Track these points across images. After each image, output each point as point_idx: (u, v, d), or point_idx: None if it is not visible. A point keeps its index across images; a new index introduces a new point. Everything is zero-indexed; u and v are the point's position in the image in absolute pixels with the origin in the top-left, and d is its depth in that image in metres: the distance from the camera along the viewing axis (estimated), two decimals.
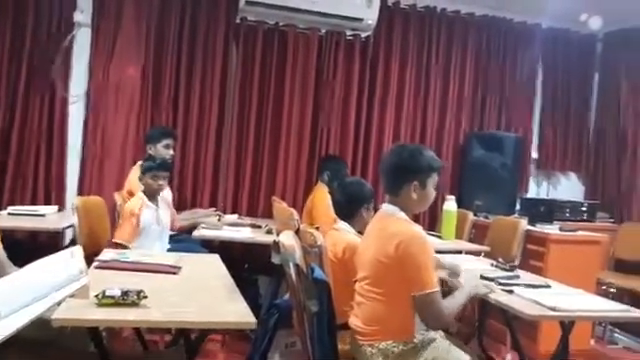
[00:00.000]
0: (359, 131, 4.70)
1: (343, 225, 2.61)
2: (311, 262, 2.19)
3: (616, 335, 4.15)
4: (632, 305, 2.82)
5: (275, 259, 2.38)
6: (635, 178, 4.72)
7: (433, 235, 3.93)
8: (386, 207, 2.12)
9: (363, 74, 4.69)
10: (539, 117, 5.24)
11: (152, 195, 3.12)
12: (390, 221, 2.05)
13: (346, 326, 2.14)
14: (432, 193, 2.11)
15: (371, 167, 4.68)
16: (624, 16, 4.81)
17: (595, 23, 4.76)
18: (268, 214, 4.22)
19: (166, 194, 3.60)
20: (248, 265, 3.92)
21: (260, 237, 3.41)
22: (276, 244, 2.18)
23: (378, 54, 4.71)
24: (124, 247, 2.88)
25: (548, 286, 2.48)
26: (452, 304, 2.00)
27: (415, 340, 1.98)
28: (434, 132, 4.87)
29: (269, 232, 3.46)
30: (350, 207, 2.64)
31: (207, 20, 4.33)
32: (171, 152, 3.79)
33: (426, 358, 1.96)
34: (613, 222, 4.74)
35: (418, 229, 2.00)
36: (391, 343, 1.96)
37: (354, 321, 2.10)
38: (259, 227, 3.65)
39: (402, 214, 2.05)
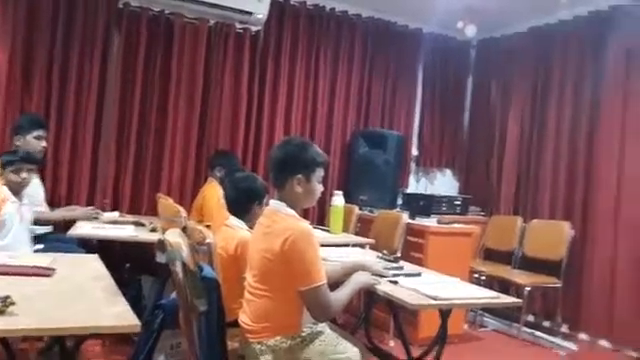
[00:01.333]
0: (249, 126, 4.66)
1: (235, 221, 2.56)
2: (200, 260, 2.12)
3: (486, 319, 4.53)
4: (500, 290, 3.09)
5: (160, 258, 2.28)
6: (502, 175, 5.17)
7: (322, 229, 4.02)
8: (273, 203, 2.11)
9: (253, 69, 4.65)
10: (419, 117, 5.55)
11: (16, 191, 2.84)
12: (277, 217, 2.04)
13: (237, 323, 2.11)
14: (317, 188, 2.12)
15: (262, 162, 4.66)
16: (494, 26, 5.25)
17: (470, 31, 5.13)
18: (153, 211, 4.03)
19: (32, 190, 3.29)
20: (130, 265, 3.71)
21: (144, 235, 3.25)
22: (161, 242, 2.09)
23: (268, 49, 4.70)
24: None
25: (419, 274, 2.63)
26: (340, 296, 2.05)
27: (303, 334, 2.00)
28: (323, 129, 4.97)
29: (154, 230, 3.31)
30: (243, 203, 2.60)
31: (85, 1, 4.03)
32: (43, 144, 3.47)
33: (314, 351, 1.99)
34: (484, 215, 5.16)
35: (304, 224, 2.00)
36: (279, 339, 1.96)
37: (243, 319, 2.07)
38: (143, 225, 3.47)
39: (289, 210, 2.05)
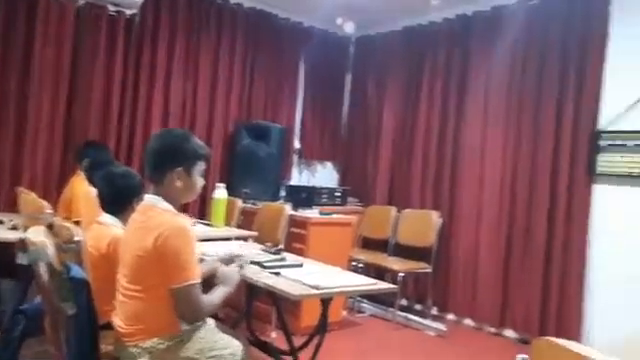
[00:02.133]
0: (123, 115, 4.39)
1: (109, 219, 2.39)
2: (68, 260, 1.96)
3: (363, 305, 4.73)
4: (376, 277, 3.25)
5: (22, 259, 2.08)
6: (378, 167, 5.42)
7: (204, 223, 3.93)
8: (149, 197, 2.00)
9: (127, 55, 4.38)
10: (301, 110, 5.62)
11: None
12: (152, 213, 1.93)
13: (111, 326, 1.98)
14: (199, 182, 2.04)
15: (138, 155, 4.42)
16: (371, 23, 5.46)
17: (349, 27, 5.30)
18: (12, 208, 3.65)
19: None
20: None
21: (2, 234, 2.94)
22: (23, 242, 1.90)
23: (144, 35, 4.46)
24: None
25: (301, 265, 2.68)
26: (212, 299, 1.98)
27: (181, 333, 1.92)
28: (204, 120, 4.83)
29: (14, 228, 3.01)
30: (120, 201, 2.41)
31: None
32: None
33: (194, 350, 1.93)
34: (361, 205, 5.37)
35: (181, 220, 1.92)
36: (156, 341, 1.87)
37: (116, 321, 1.95)
38: (1, 223, 3.15)
39: (166, 204, 1.95)
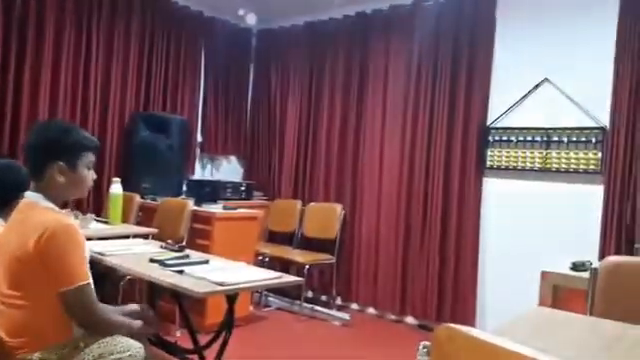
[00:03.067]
0: (5, 104, 4.00)
1: None
2: None
3: (270, 299, 4.73)
4: (282, 270, 3.26)
5: None
6: (282, 161, 5.43)
7: (100, 221, 3.72)
8: (28, 195, 1.85)
9: (8, 37, 3.99)
10: (203, 102, 5.47)
11: None
12: (33, 212, 1.79)
13: None
14: (86, 175, 1.92)
15: (21, 149, 4.05)
16: (273, 17, 5.44)
17: (250, 19, 5.24)
18: None
19: None
20: None
21: None
22: None
23: (28, 15, 4.07)
24: None
25: (207, 262, 2.62)
26: (107, 311, 1.88)
27: (75, 339, 1.80)
28: (97, 110, 4.53)
29: None
30: (3, 197, 2.20)
31: None
32: None
33: (92, 355, 1.81)
34: (267, 199, 5.36)
35: (64, 218, 1.80)
36: (47, 351, 1.74)
37: None
38: None
39: (47, 202, 1.82)
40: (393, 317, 4.58)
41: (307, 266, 4.39)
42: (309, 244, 4.84)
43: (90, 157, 1.92)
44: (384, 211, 4.65)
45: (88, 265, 1.80)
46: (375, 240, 4.68)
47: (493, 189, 4.17)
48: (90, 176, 1.94)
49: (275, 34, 5.62)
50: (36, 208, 1.80)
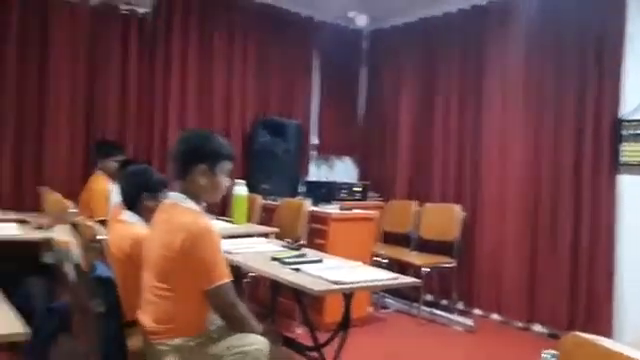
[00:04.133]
0: (141, 114, 4.43)
1: (128, 216, 2.40)
2: (92, 258, 1.99)
3: (388, 300, 4.70)
4: (399, 272, 3.22)
5: (48, 258, 2.11)
6: (397, 161, 5.38)
7: (225, 220, 3.94)
8: (172, 195, 2.01)
9: (142, 54, 4.41)
10: (317, 105, 5.59)
11: None
12: (176, 211, 1.94)
13: (135, 322, 2.00)
14: (223, 181, 2.04)
15: (155, 152, 4.46)
16: (385, 16, 5.41)
17: (361, 21, 5.25)
18: (36, 207, 3.71)
19: None
20: (14, 266, 3.41)
21: (29, 234, 2.99)
22: (49, 241, 1.92)
23: (158, 33, 4.47)
24: None
25: (320, 260, 2.65)
26: (249, 314, 1.99)
27: (208, 331, 1.94)
28: (221, 118, 4.84)
29: (39, 228, 3.06)
30: (131, 195, 2.44)
31: None
32: None
33: (222, 347, 1.93)
34: (382, 200, 5.34)
35: (204, 221, 1.92)
36: (184, 339, 1.89)
37: (143, 319, 1.96)
38: (27, 222, 3.20)
39: (189, 203, 1.96)
40: (520, 324, 4.32)
41: (425, 269, 4.29)
42: (426, 246, 4.74)
43: (228, 165, 2.05)
44: (508, 212, 4.40)
45: (226, 264, 1.93)
46: (498, 243, 4.45)
47: (629, 187, 3.78)
48: (225, 183, 2.06)
49: (387, 33, 5.59)
50: (177, 208, 1.95)
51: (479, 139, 4.67)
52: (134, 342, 2.04)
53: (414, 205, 4.96)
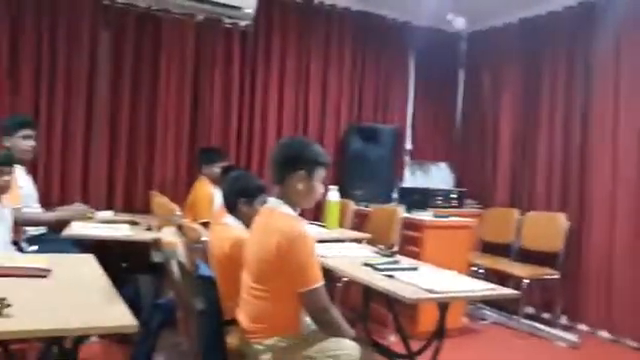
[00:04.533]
0: (242, 123, 4.63)
1: (230, 219, 2.52)
2: (195, 259, 2.11)
3: (485, 312, 4.52)
4: (499, 283, 3.07)
5: (156, 257, 2.26)
6: (497, 167, 5.17)
7: (318, 225, 4.00)
8: (271, 201, 2.09)
9: (243, 65, 4.61)
10: (412, 110, 5.53)
11: None
12: (273, 215, 2.02)
13: (235, 321, 2.09)
14: (319, 187, 2.09)
15: (255, 158, 4.64)
16: (484, 17, 5.24)
17: (459, 23, 5.12)
18: (147, 210, 4.00)
19: (27, 190, 3.28)
20: (126, 265, 3.69)
21: (139, 235, 3.21)
22: (157, 241, 2.06)
23: (258, 44, 4.66)
24: None
25: (416, 268, 2.61)
26: (342, 318, 2.02)
27: (302, 333, 1.98)
28: (316, 124, 4.94)
29: (149, 229, 3.28)
30: (230, 200, 2.57)
31: (69, 0, 3.97)
32: (31, 143, 3.40)
33: (314, 349, 1.96)
34: (480, 208, 5.16)
35: (299, 225, 1.97)
36: (278, 339, 1.95)
37: (241, 318, 2.05)
38: (137, 224, 3.44)
39: (286, 208, 2.02)
40: (633, 344, 3.97)
41: (526, 280, 4.08)
42: (528, 257, 4.49)
43: (322, 172, 2.10)
44: (619, 220, 4.07)
45: (320, 268, 1.97)
46: (609, 255, 4.12)
47: None
48: (320, 189, 2.10)
49: (486, 35, 5.41)
50: (275, 212, 2.03)
51: (587, 143, 4.37)
52: (232, 340, 2.13)
53: (515, 213, 4.74)
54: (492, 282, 2.87)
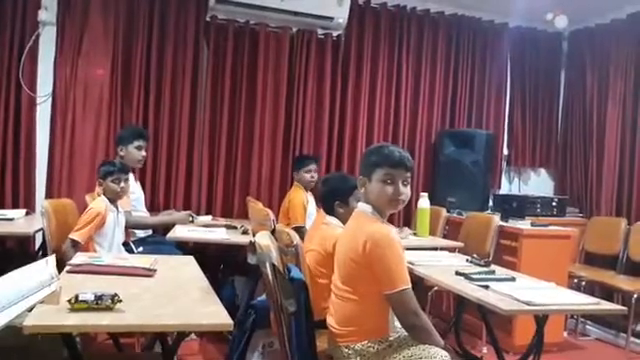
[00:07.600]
0: (333, 130, 4.70)
1: (332, 219, 2.59)
2: (288, 262, 2.17)
3: (588, 327, 4.24)
4: (602, 297, 2.89)
5: (251, 260, 2.35)
6: (602, 173, 4.84)
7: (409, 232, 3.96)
8: (359, 205, 2.12)
9: (335, 73, 4.69)
10: (509, 114, 5.33)
11: (114, 199, 3.06)
12: (361, 219, 2.05)
13: (325, 323, 2.13)
14: (378, 188, 2.00)
15: (346, 165, 4.69)
16: (588, 15, 4.93)
17: (561, 22, 4.86)
18: (243, 214, 4.19)
19: (137, 196, 3.57)
20: (223, 266, 3.88)
21: (236, 238, 3.37)
22: (252, 245, 2.15)
23: (350, 53, 4.72)
24: (76, 243, 2.78)
25: (513, 279, 2.50)
26: (431, 325, 1.99)
27: (391, 338, 1.98)
28: (407, 130, 4.90)
29: (245, 233, 3.43)
30: (326, 201, 2.63)
31: (176, 18, 4.26)
32: (143, 153, 3.71)
33: (403, 355, 1.94)
34: (582, 216, 4.85)
35: (383, 228, 1.97)
36: (367, 343, 1.96)
37: (330, 321, 2.09)
38: (234, 228, 3.61)
39: (372, 213, 2.04)
40: None
41: (635, 295, 3.78)
42: (636, 269, 4.16)
43: (381, 171, 2.00)
44: None
45: (407, 271, 1.96)
46: None
47: None
48: (383, 189, 2.00)
49: (590, 33, 5.09)
50: (362, 216, 2.06)
51: None
52: (322, 343, 2.17)
53: (623, 223, 4.41)
54: (596, 296, 2.70)
